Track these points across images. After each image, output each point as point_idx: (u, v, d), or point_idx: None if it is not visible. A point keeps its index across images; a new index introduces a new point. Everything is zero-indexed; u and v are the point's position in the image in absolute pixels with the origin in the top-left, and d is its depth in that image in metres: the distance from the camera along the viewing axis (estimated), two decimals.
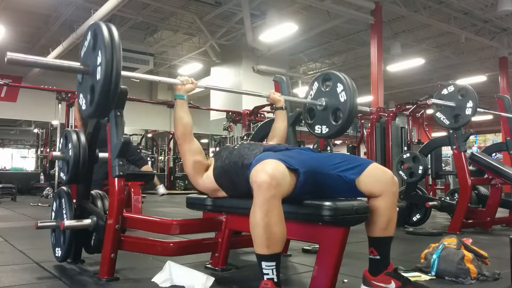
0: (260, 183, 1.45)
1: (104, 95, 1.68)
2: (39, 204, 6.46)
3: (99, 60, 1.69)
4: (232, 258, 2.28)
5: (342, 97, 2.42)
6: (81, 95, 1.88)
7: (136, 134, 13.53)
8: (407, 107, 6.95)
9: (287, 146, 1.92)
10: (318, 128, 2.60)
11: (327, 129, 2.55)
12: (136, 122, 13.62)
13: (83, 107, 1.86)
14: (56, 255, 2.29)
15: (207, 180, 1.97)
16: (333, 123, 2.50)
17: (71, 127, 6.40)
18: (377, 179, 1.64)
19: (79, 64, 1.83)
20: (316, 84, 2.59)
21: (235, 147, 1.95)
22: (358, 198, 1.67)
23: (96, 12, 8.96)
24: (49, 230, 2.41)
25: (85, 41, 1.86)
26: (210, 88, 2.53)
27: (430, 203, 3.95)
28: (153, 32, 12.55)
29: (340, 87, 2.44)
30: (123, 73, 1.76)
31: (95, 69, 1.71)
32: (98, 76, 1.68)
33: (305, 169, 1.61)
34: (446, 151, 8.18)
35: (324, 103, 2.51)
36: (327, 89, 2.53)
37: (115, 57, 1.67)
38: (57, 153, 2.29)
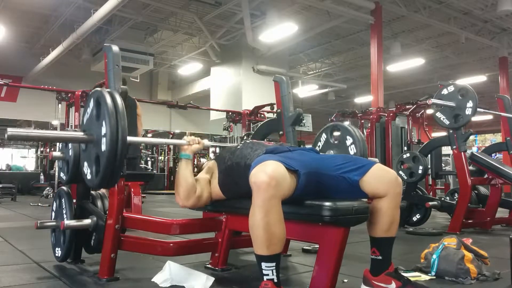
0: (259, 184, 1.45)
1: (111, 166, 1.61)
2: (39, 204, 6.46)
3: (103, 130, 1.61)
4: (232, 258, 2.28)
5: (352, 150, 2.37)
6: (85, 164, 1.79)
7: None
8: (407, 107, 6.93)
9: (289, 147, 1.91)
10: None
11: None
12: None
13: (88, 177, 1.76)
14: (56, 255, 2.29)
15: (215, 196, 1.97)
16: None
17: (71, 127, 6.39)
18: (381, 180, 1.64)
19: (82, 133, 1.76)
20: (324, 136, 2.55)
21: (238, 147, 1.94)
22: (359, 199, 1.67)
23: (96, 12, 8.97)
24: (49, 230, 2.41)
25: (88, 108, 1.78)
26: (215, 146, 2.46)
27: (430, 203, 3.95)
28: (153, 32, 12.55)
29: (349, 140, 2.39)
30: (129, 138, 1.69)
31: (99, 139, 1.64)
32: (104, 147, 1.61)
33: (307, 171, 1.60)
34: (446, 151, 8.17)
35: None
36: (335, 142, 2.48)
37: (120, 127, 1.60)
38: (57, 153, 2.29)
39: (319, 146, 2.58)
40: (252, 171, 1.52)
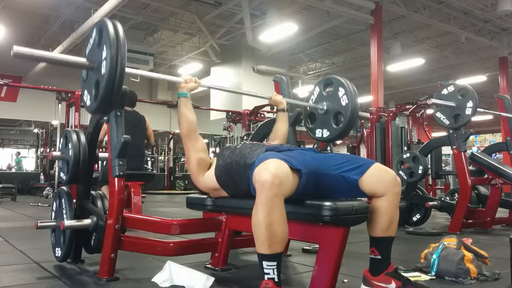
0: (262, 182, 1.44)
1: (109, 89, 1.71)
2: (39, 204, 6.46)
3: (104, 55, 1.72)
4: (232, 258, 2.28)
5: (344, 101, 2.42)
6: (85, 91, 1.91)
7: None
8: (407, 107, 6.94)
9: (290, 146, 1.91)
10: (319, 131, 2.60)
11: (328, 133, 2.55)
12: None
13: (88, 103, 1.88)
14: (56, 255, 2.29)
15: (208, 179, 1.97)
16: (334, 126, 2.50)
17: (71, 127, 6.40)
18: (380, 179, 1.64)
19: (84, 59, 1.86)
20: (317, 89, 2.59)
21: (237, 147, 1.95)
22: (359, 198, 1.67)
23: (96, 12, 8.97)
24: (49, 230, 2.41)
25: (90, 38, 1.88)
26: (213, 88, 2.55)
27: (430, 203, 3.95)
28: (153, 32, 12.55)
29: (341, 91, 2.44)
30: (128, 69, 1.78)
31: (100, 64, 1.74)
32: (103, 71, 1.71)
33: (307, 170, 1.60)
34: (446, 151, 8.18)
35: (325, 107, 2.51)
36: (328, 93, 2.53)
37: (120, 52, 1.69)
38: (57, 153, 2.29)
39: (312, 99, 2.60)
40: (255, 169, 1.51)
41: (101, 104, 1.79)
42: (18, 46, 1.65)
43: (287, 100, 2.53)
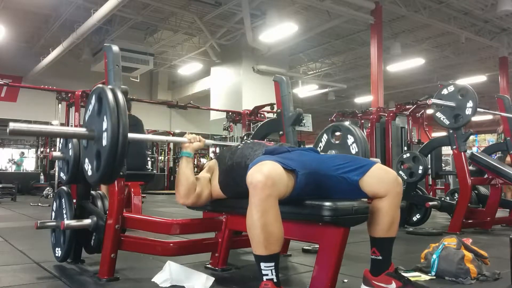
0: (255, 184, 1.45)
1: (111, 161, 1.63)
2: (39, 204, 6.46)
3: (104, 125, 1.64)
4: (232, 258, 2.28)
5: (353, 149, 2.37)
6: (86, 160, 1.83)
7: None
8: (407, 107, 6.94)
9: (289, 147, 1.91)
10: None
11: None
12: None
13: (89, 173, 1.80)
14: (56, 255, 2.29)
15: (215, 195, 1.98)
16: None
17: (71, 127, 6.39)
18: (381, 180, 1.64)
19: (84, 129, 1.78)
20: (325, 136, 2.55)
21: (238, 147, 1.95)
22: (360, 199, 1.67)
23: (96, 12, 8.97)
24: (49, 230, 2.41)
25: (89, 104, 1.80)
26: (217, 144, 2.50)
27: (430, 203, 3.94)
28: (153, 32, 12.55)
29: (350, 139, 2.39)
30: (130, 135, 1.71)
31: (100, 134, 1.66)
32: (104, 142, 1.63)
33: (306, 171, 1.60)
34: (446, 151, 8.17)
35: None
36: (337, 142, 2.48)
37: (122, 122, 1.62)
38: (57, 153, 2.29)
39: (320, 147, 2.57)
40: (249, 171, 1.52)
41: (103, 177, 1.71)
42: (14, 123, 1.60)
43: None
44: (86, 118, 1.83)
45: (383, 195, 1.63)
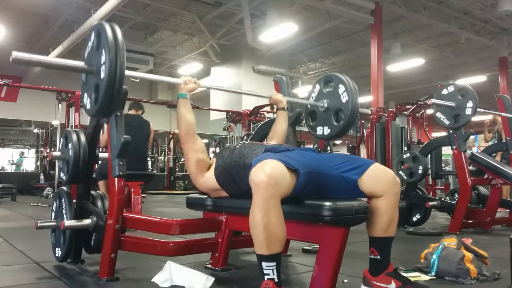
0: (258, 183, 1.45)
1: (109, 93, 1.70)
2: (39, 204, 6.46)
3: (103, 59, 1.71)
4: (232, 258, 2.28)
5: (344, 98, 2.44)
6: (85, 95, 1.90)
7: None
8: (407, 107, 6.94)
9: (288, 147, 1.92)
10: (320, 129, 2.61)
11: (329, 130, 2.56)
12: None
13: (88, 106, 1.87)
14: (56, 255, 2.29)
15: (208, 180, 1.98)
16: (335, 123, 2.51)
17: (71, 127, 6.40)
18: (379, 179, 1.64)
19: (83, 63, 1.84)
20: (317, 86, 2.61)
21: (237, 147, 1.95)
22: (359, 199, 1.67)
23: (96, 12, 8.97)
24: (49, 230, 2.41)
25: (89, 41, 1.87)
26: (212, 88, 2.56)
27: (430, 203, 3.94)
28: (153, 32, 12.55)
29: (341, 88, 2.46)
30: (127, 72, 1.78)
31: (99, 68, 1.73)
32: (103, 75, 1.69)
33: (306, 170, 1.60)
34: (446, 151, 8.17)
35: (326, 104, 2.54)
36: (329, 91, 2.54)
37: (119, 55, 1.69)
38: (57, 153, 2.30)
39: (313, 97, 2.62)
40: (251, 170, 1.52)
41: (101, 108, 1.78)
42: (16, 51, 1.65)
43: (288, 99, 2.54)
44: (86, 55, 1.89)
45: (381, 194, 1.64)
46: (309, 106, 2.67)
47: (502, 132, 5.46)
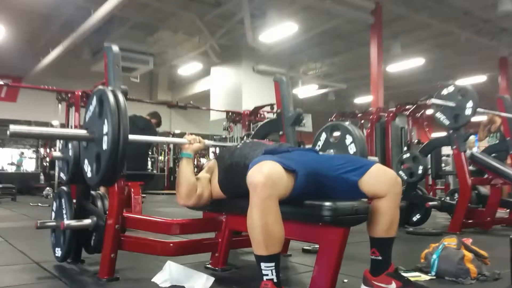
0: (255, 184, 1.45)
1: (111, 165, 1.63)
2: (39, 204, 6.46)
3: (105, 129, 1.63)
4: (232, 258, 2.28)
5: (352, 149, 2.37)
6: (86, 161, 1.82)
7: None
8: (407, 107, 6.94)
9: (289, 147, 1.91)
10: None
11: None
12: None
13: (89, 174, 1.79)
14: (56, 255, 2.29)
15: (215, 194, 1.99)
16: None
17: (71, 127, 6.39)
18: (380, 180, 1.64)
19: (85, 131, 1.76)
20: (323, 135, 2.56)
21: (237, 147, 1.95)
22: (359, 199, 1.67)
23: (96, 12, 8.97)
24: (49, 230, 2.41)
25: (90, 105, 1.80)
26: (216, 145, 2.49)
27: (430, 203, 3.95)
28: (153, 32, 12.54)
29: (349, 139, 2.40)
30: (131, 137, 1.70)
31: (101, 137, 1.66)
32: (105, 146, 1.63)
33: (306, 171, 1.60)
34: (446, 151, 8.17)
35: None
36: (335, 141, 2.49)
37: (123, 126, 1.61)
38: (57, 153, 2.30)
39: (319, 146, 2.58)
40: (249, 171, 1.52)
41: (103, 179, 1.71)
42: (14, 126, 1.61)
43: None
44: (87, 119, 1.82)
45: (382, 195, 1.63)
46: None
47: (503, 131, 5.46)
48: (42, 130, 1.74)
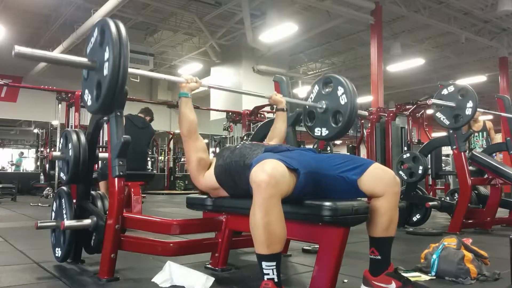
0: (259, 183, 1.45)
1: (111, 91, 1.68)
2: (39, 204, 6.46)
3: (106, 56, 1.69)
4: (232, 258, 2.28)
5: (343, 100, 2.45)
6: (86, 91, 1.88)
7: None
8: (407, 107, 6.94)
9: (288, 147, 1.92)
10: (318, 130, 2.62)
11: (327, 132, 2.57)
12: None
13: (89, 103, 1.86)
14: (56, 255, 2.29)
15: (208, 178, 1.98)
16: (333, 125, 2.52)
17: (71, 127, 6.40)
18: (379, 179, 1.64)
19: (86, 59, 1.83)
20: (316, 87, 2.62)
21: (237, 147, 1.95)
22: (359, 198, 1.67)
23: (96, 12, 8.97)
24: (49, 230, 2.41)
25: (92, 37, 1.85)
26: (213, 88, 2.56)
27: (430, 203, 3.95)
28: (153, 32, 12.55)
29: (340, 90, 2.47)
30: (130, 70, 1.76)
31: (102, 64, 1.71)
32: (105, 72, 1.68)
33: (306, 170, 1.60)
34: (446, 151, 8.18)
35: (324, 106, 2.54)
36: (327, 92, 2.55)
37: (123, 53, 1.67)
38: (57, 153, 2.29)
39: (311, 98, 2.63)
40: (251, 170, 1.52)
41: (103, 105, 1.77)
42: (19, 46, 1.65)
43: (287, 99, 2.55)
44: (88, 51, 1.87)
45: (381, 194, 1.64)
46: (307, 106, 2.67)
47: (490, 131, 5.47)
48: (46, 54, 1.79)
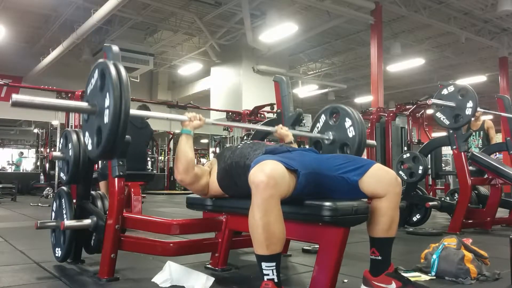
0: (258, 183, 1.45)
1: (112, 139, 1.61)
2: (39, 204, 6.46)
3: (107, 102, 1.62)
4: (232, 258, 2.28)
5: (351, 133, 2.37)
6: (87, 134, 1.81)
7: None
8: (407, 107, 6.95)
9: (289, 147, 1.91)
10: None
11: None
12: None
13: (89, 148, 1.78)
14: (56, 255, 2.29)
15: (212, 188, 2.00)
16: None
17: (71, 127, 6.39)
18: (380, 180, 1.64)
19: (86, 104, 1.75)
20: (323, 117, 2.53)
21: (238, 147, 1.95)
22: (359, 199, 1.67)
23: (96, 12, 8.97)
24: (49, 230, 2.41)
25: (92, 78, 1.78)
26: (218, 125, 2.50)
27: (430, 203, 3.94)
28: (153, 32, 12.54)
29: (348, 122, 2.39)
30: (132, 111, 1.70)
31: (102, 111, 1.64)
32: (106, 120, 1.61)
33: (307, 171, 1.60)
34: (446, 151, 8.18)
35: (331, 137, 2.46)
36: (334, 123, 2.47)
37: (124, 100, 1.60)
38: (57, 153, 2.30)
39: (317, 128, 2.55)
40: (251, 171, 1.52)
41: (104, 153, 1.69)
42: (16, 95, 1.61)
43: (293, 132, 2.44)
44: (88, 92, 1.81)
45: (382, 195, 1.63)
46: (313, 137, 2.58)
47: (490, 130, 5.42)
48: (44, 101, 1.72)
